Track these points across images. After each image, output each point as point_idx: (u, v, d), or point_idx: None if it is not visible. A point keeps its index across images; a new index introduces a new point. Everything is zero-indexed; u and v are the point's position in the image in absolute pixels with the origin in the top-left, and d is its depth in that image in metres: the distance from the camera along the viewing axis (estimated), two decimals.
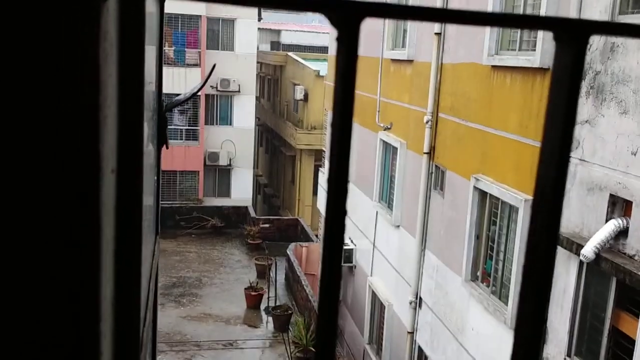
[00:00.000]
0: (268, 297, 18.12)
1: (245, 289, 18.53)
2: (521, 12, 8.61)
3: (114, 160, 0.76)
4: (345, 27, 0.44)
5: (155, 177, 1.86)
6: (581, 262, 6.80)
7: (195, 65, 26.21)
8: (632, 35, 0.45)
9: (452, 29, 10.50)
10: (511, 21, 0.46)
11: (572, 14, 7.14)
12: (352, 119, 0.46)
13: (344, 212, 0.47)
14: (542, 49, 7.75)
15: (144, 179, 1.06)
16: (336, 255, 0.46)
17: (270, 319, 17.50)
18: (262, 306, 18.27)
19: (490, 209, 9.23)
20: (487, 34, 9.04)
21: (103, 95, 0.64)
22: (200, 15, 26.10)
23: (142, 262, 1.04)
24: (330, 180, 0.46)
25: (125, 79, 0.79)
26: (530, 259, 0.51)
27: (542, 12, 7.75)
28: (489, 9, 9.04)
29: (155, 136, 1.75)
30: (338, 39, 0.44)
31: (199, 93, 25.13)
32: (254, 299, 18.24)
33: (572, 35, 0.42)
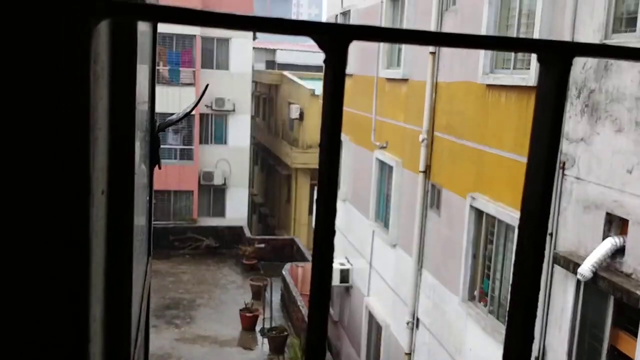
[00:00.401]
0: (263, 319, 17.97)
1: (240, 310, 18.38)
2: (515, 31, 8.68)
3: (105, 182, 0.76)
4: (332, 50, 0.44)
5: (148, 198, 1.86)
6: (579, 281, 6.79)
7: (190, 84, 26.28)
8: (615, 57, 0.45)
9: (446, 48, 10.58)
10: (496, 44, 0.47)
11: (566, 32, 7.20)
12: (340, 140, 0.46)
13: (332, 231, 0.47)
14: (536, 68, 7.80)
15: (136, 200, 1.05)
16: (326, 266, 0.46)
17: (266, 340, 17.34)
18: (258, 328, 18.11)
19: (487, 228, 9.22)
20: (482, 52, 9.10)
21: (93, 117, 0.64)
22: (195, 35, 26.21)
23: (133, 283, 1.03)
24: (319, 198, 0.46)
25: (116, 100, 0.79)
26: (518, 274, 0.51)
27: (536, 31, 7.82)
28: (483, 27, 9.11)
29: (147, 156, 1.75)
30: (326, 62, 0.45)
31: (193, 112, 25.16)
32: (249, 321, 18.08)
33: (556, 57, 0.42)
